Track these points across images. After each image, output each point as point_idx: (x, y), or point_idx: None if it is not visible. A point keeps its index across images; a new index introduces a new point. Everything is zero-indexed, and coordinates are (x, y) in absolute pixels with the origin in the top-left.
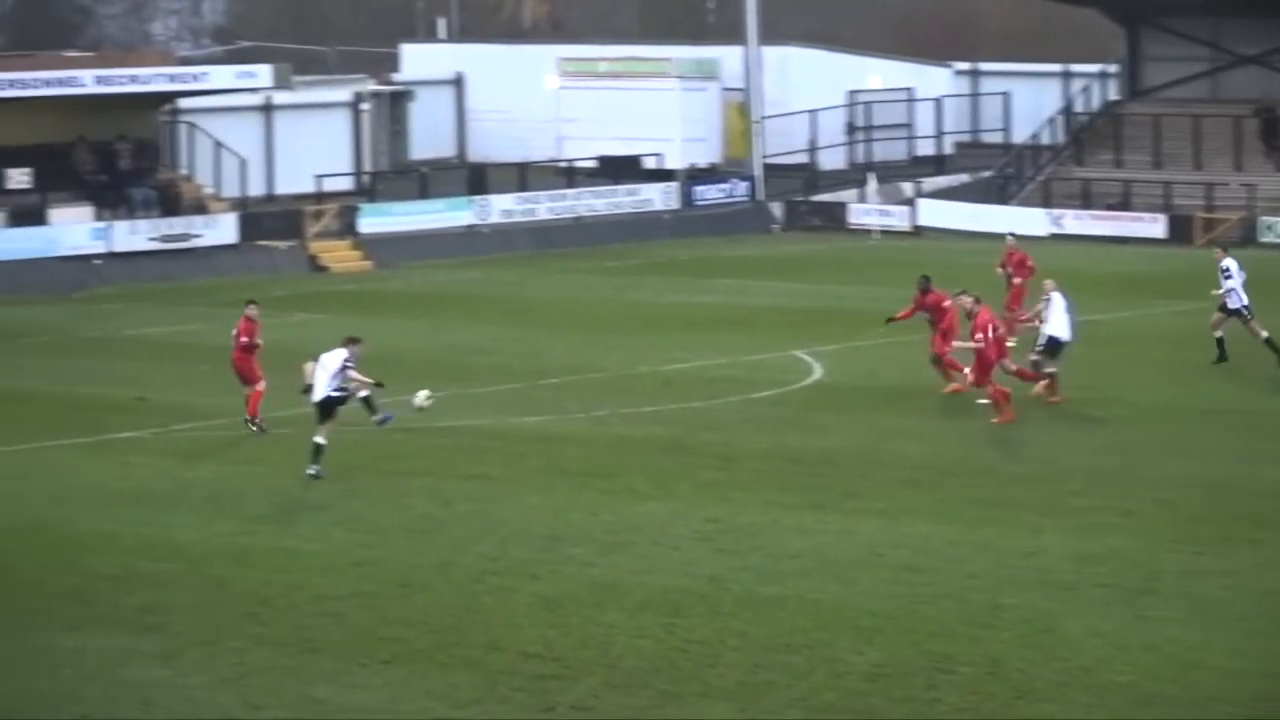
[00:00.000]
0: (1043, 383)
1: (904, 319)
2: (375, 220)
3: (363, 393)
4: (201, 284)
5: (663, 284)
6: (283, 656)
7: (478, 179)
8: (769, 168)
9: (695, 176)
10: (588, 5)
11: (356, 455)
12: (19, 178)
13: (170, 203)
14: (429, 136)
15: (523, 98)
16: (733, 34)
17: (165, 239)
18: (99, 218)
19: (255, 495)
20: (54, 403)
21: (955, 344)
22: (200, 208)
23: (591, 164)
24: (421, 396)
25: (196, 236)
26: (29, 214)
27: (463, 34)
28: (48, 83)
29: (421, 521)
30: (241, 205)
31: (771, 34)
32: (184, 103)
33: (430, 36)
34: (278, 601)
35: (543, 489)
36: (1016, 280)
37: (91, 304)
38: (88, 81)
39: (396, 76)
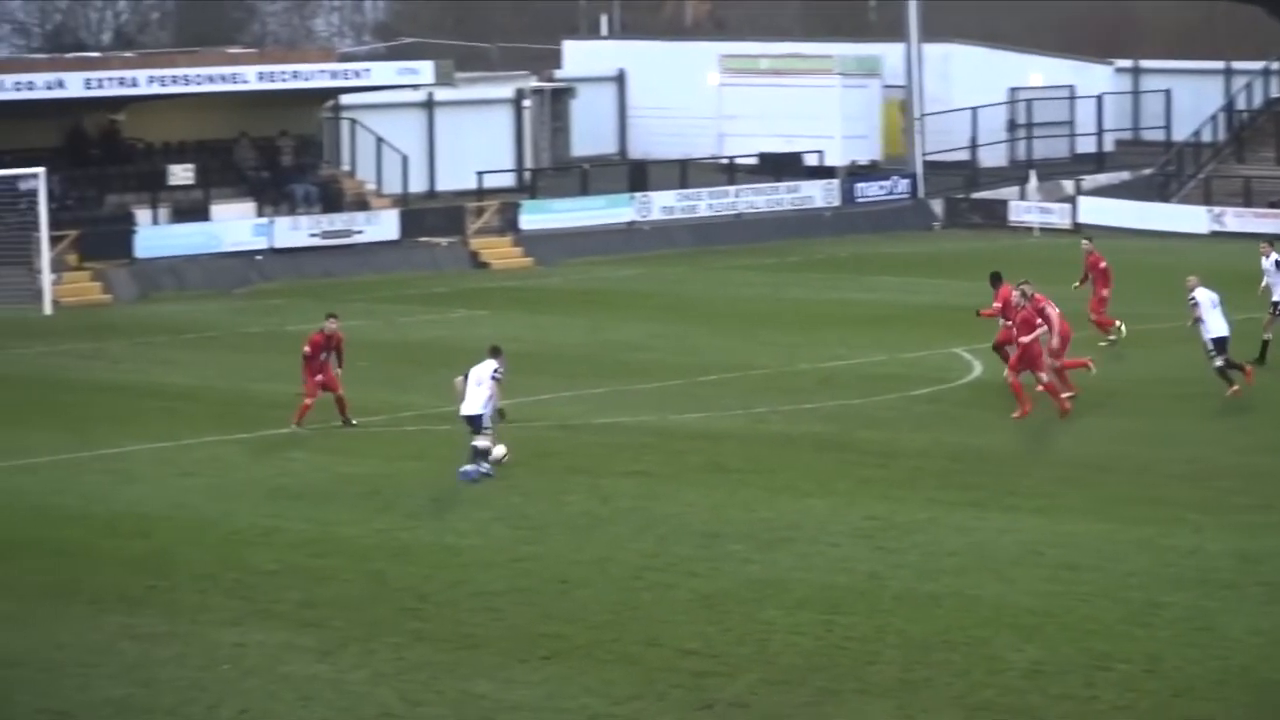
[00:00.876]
0: (1243, 367)
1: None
2: (536, 217)
3: (484, 443)
4: (362, 280)
5: (822, 281)
6: (441, 652)
7: (638, 176)
8: (930, 165)
9: (856, 174)
10: (749, 2)
11: (516, 451)
12: (182, 174)
13: (332, 199)
14: (590, 133)
15: (684, 94)
16: (894, 31)
17: (326, 235)
18: (261, 213)
19: (415, 491)
20: (216, 398)
21: (1022, 339)
22: (362, 204)
23: (752, 161)
24: (500, 450)
25: (358, 233)
26: (192, 210)
27: (624, 31)
28: (211, 79)
29: (581, 518)
30: (403, 201)
31: (933, 31)
32: (346, 99)
33: (593, 33)
34: (437, 597)
35: (702, 486)
36: (1104, 292)
37: (253, 299)
38: (250, 78)
39: (558, 73)
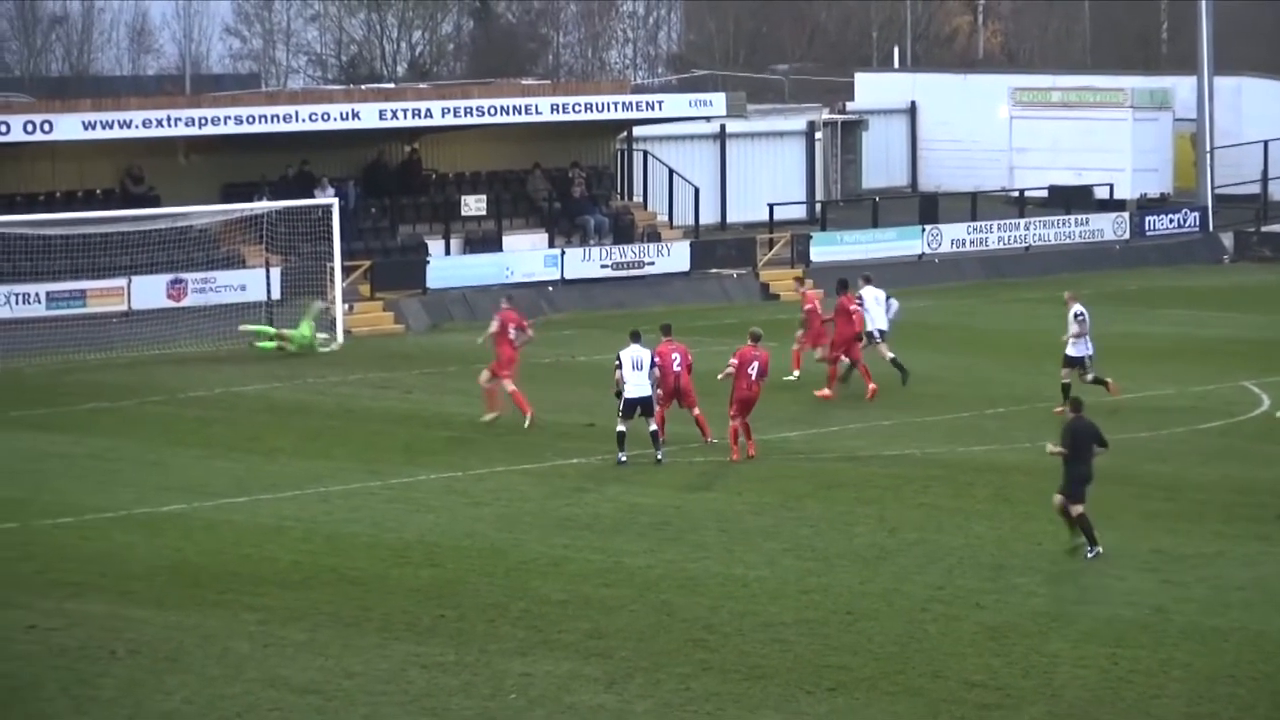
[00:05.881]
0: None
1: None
2: (826, 249)
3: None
4: (653, 311)
5: (1111, 314)
6: (727, 683)
7: (929, 208)
8: (1220, 198)
9: (1146, 207)
10: (1041, 35)
11: (804, 483)
12: (475, 204)
13: (623, 230)
14: (881, 165)
15: (975, 127)
16: (1185, 64)
17: (617, 266)
18: (553, 244)
19: (704, 522)
20: (507, 428)
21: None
22: (653, 235)
23: (1042, 194)
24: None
25: (649, 264)
26: (484, 240)
27: (916, 63)
28: (504, 110)
29: (868, 550)
30: (694, 233)
31: (1224, 63)
32: (639, 130)
33: (885, 65)
34: (724, 628)
35: (988, 518)
36: (808, 313)
37: (544, 330)
38: (544, 109)
39: (851, 105)
